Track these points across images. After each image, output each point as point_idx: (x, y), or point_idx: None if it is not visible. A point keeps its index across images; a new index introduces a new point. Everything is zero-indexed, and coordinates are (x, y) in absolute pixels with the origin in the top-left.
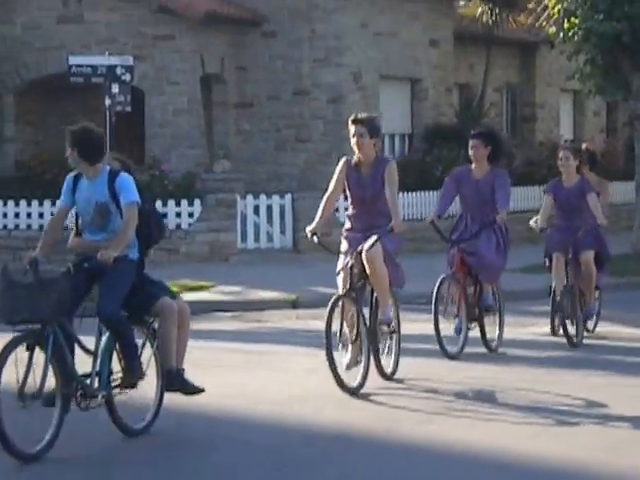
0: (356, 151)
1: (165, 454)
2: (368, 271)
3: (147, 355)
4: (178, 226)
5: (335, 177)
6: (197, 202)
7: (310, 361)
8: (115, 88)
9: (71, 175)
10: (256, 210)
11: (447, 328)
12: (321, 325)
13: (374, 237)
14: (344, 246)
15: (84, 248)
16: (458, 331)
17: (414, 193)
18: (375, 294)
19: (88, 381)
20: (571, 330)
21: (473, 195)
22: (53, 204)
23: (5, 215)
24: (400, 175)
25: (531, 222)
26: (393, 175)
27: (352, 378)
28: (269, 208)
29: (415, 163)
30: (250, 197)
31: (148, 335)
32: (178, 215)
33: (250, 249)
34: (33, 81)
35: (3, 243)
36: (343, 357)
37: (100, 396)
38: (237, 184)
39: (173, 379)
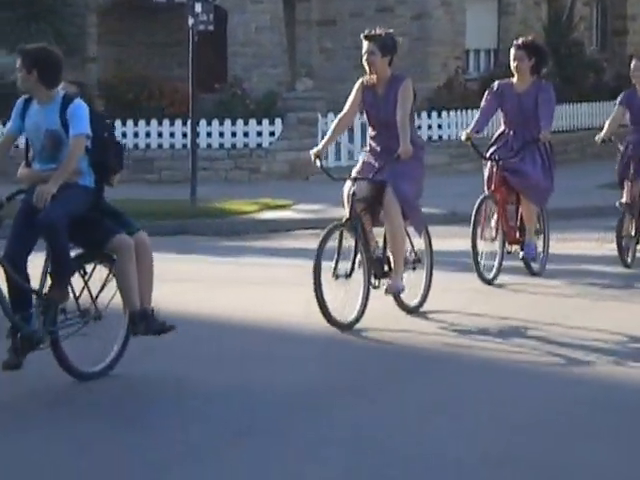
0: (367, 70)
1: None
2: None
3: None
4: (259, 145)
5: (350, 98)
6: (278, 121)
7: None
8: (198, 7)
9: (21, 99)
10: None
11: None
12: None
13: (388, 190)
14: (355, 169)
15: (33, 179)
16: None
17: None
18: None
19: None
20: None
21: (515, 110)
22: (136, 124)
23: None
24: (484, 91)
25: (596, 137)
26: (406, 94)
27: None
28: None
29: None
30: (331, 115)
31: (112, 271)
32: (259, 134)
33: (331, 167)
34: (117, 1)
35: None
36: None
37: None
38: (319, 102)
39: (138, 321)
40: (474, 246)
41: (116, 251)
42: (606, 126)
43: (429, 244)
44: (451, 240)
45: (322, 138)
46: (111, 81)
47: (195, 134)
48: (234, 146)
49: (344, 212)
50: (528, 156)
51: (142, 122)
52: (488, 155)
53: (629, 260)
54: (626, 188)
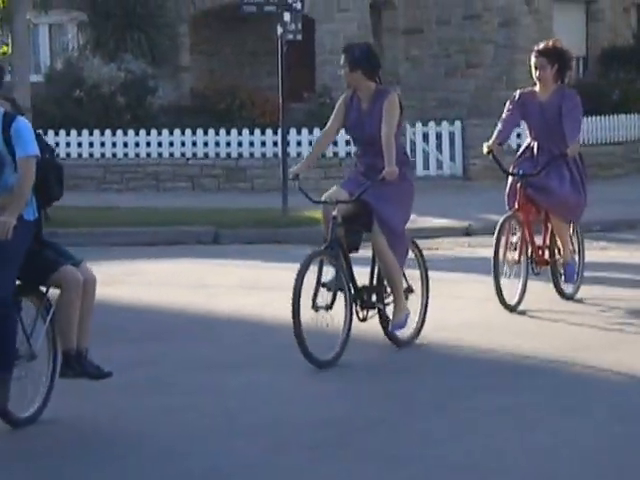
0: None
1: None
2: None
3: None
4: (348, 154)
5: (334, 113)
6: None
7: (483, 288)
8: (287, 16)
9: None
10: (425, 137)
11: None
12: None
13: (375, 224)
14: (331, 191)
15: None
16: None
17: (589, 118)
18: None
19: None
20: None
21: (539, 120)
22: (228, 133)
23: (183, 144)
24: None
25: None
26: (391, 109)
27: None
28: (438, 135)
29: (590, 87)
30: (419, 124)
31: (41, 309)
32: (348, 143)
33: (419, 176)
34: (208, 11)
35: (182, 171)
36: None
37: None
38: (407, 111)
39: (73, 362)
40: (496, 270)
41: (62, 284)
42: None
43: (425, 273)
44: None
45: (410, 147)
46: (204, 91)
47: (285, 143)
48: (324, 155)
49: (436, 221)
50: (554, 170)
51: (234, 131)
52: (511, 170)
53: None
54: None
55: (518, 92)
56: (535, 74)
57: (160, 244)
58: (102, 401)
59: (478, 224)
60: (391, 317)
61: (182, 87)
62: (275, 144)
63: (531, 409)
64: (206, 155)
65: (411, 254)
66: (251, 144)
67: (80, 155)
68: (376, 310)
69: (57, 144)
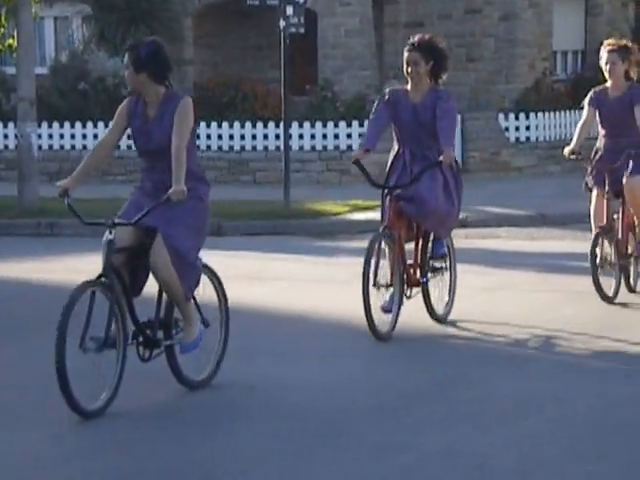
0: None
1: None
2: None
3: None
4: (349, 147)
5: (114, 121)
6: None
7: (484, 279)
8: (289, 10)
9: None
10: None
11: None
12: (491, 244)
13: (158, 238)
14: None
15: None
16: (388, 309)
17: None
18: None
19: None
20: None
21: (411, 123)
22: (230, 126)
23: None
24: (572, 93)
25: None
26: (182, 117)
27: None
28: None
29: (589, 81)
30: None
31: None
32: (349, 136)
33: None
34: (211, 4)
35: None
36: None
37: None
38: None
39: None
40: (366, 296)
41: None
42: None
43: (224, 303)
44: (539, 242)
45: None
46: (207, 84)
47: (287, 136)
48: (325, 148)
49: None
50: (427, 177)
51: (237, 124)
52: (388, 184)
53: (611, 294)
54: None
55: (388, 90)
56: (406, 69)
57: None
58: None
59: (476, 216)
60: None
61: (185, 80)
62: (277, 137)
63: (526, 395)
64: (209, 147)
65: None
66: (253, 137)
67: (85, 147)
68: (162, 349)
69: (62, 136)
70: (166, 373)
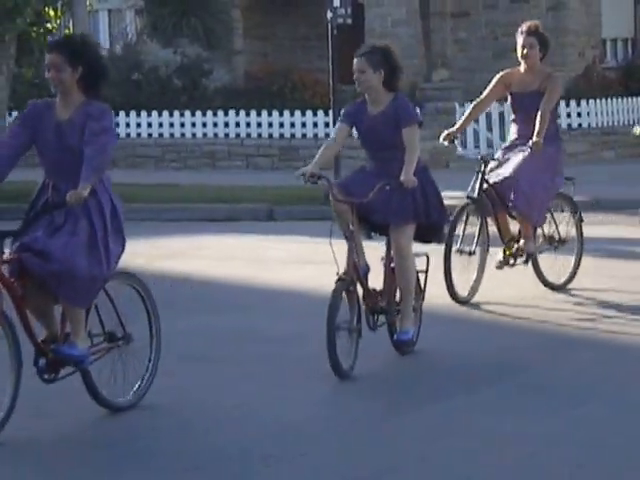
0: None
1: None
2: None
3: None
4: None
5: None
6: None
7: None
8: (336, 1)
9: None
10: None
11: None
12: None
13: None
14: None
15: None
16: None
17: (636, 98)
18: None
19: None
20: None
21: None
22: (281, 114)
23: (237, 124)
24: (623, 80)
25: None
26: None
27: None
28: (487, 115)
29: (638, 68)
30: (469, 105)
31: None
32: None
33: (470, 157)
34: None
35: (237, 150)
36: None
37: None
38: (455, 92)
39: None
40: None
41: None
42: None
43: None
44: (594, 227)
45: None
46: (257, 74)
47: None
48: None
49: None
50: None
51: (287, 113)
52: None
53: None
54: None
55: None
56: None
57: (217, 220)
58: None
59: None
60: None
61: (236, 70)
62: (326, 125)
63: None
64: (260, 135)
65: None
66: (303, 125)
67: (139, 135)
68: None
69: (117, 125)
70: None
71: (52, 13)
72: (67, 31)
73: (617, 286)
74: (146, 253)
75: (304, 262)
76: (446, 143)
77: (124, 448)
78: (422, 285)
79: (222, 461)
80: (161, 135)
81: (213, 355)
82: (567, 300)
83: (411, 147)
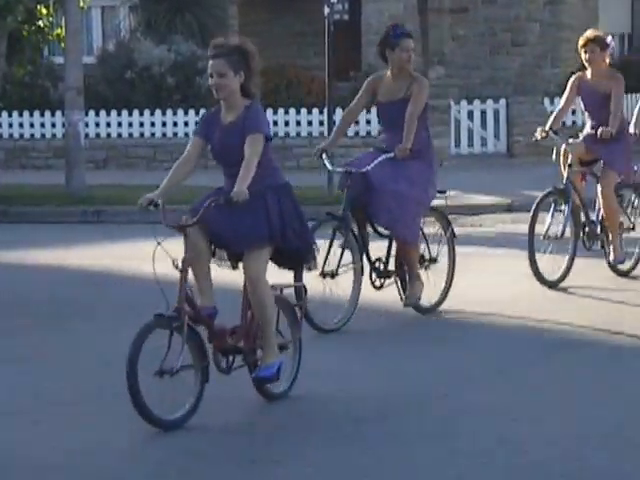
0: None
1: None
2: None
3: None
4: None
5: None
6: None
7: (526, 264)
8: None
9: None
10: (470, 115)
11: None
12: (538, 228)
13: None
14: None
15: None
16: None
17: (634, 95)
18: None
19: None
20: None
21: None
22: (275, 112)
23: None
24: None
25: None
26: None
27: None
28: (483, 113)
29: (635, 64)
30: (464, 102)
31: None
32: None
33: (464, 154)
34: None
35: None
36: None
37: None
38: (451, 89)
39: None
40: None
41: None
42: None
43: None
44: None
45: (454, 125)
46: None
47: (331, 122)
48: (369, 134)
49: (479, 198)
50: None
51: (281, 111)
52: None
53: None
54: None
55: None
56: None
57: None
58: None
59: (521, 201)
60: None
61: None
62: (321, 123)
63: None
64: None
65: None
66: (298, 123)
67: (131, 135)
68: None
69: (108, 124)
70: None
71: (44, 11)
72: (59, 29)
73: (616, 285)
74: (135, 256)
75: None
76: (324, 157)
77: None
78: (298, 315)
79: None
80: (153, 135)
81: None
82: (567, 299)
83: (249, 158)
